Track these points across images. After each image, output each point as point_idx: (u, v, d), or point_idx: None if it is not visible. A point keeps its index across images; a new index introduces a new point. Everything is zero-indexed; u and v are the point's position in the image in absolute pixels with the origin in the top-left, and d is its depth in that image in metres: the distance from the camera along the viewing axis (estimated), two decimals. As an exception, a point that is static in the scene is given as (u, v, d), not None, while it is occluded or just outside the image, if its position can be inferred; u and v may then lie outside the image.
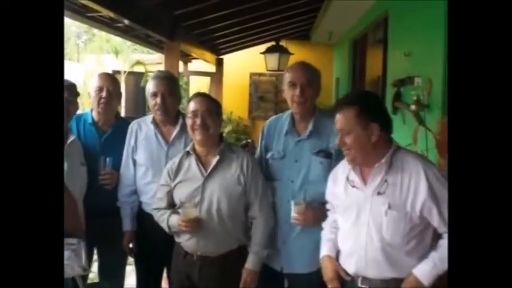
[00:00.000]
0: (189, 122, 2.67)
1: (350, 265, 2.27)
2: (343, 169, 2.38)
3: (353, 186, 2.26)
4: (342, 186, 2.33)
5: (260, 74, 10.20)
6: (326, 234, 2.49)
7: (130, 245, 3.09)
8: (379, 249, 2.13)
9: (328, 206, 2.52)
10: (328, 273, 2.37)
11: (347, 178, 2.30)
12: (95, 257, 3.34)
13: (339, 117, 2.19)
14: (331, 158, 2.67)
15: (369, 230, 2.16)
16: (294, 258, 2.73)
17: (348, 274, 2.28)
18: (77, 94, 2.98)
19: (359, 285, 2.22)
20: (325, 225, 2.53)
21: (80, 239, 2.07)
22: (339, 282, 2.32)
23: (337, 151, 2.62)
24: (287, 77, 2.74)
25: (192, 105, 2.68)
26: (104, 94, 3.12)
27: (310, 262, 2.68)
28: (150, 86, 3.03)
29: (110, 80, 3.22)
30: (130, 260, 3.29)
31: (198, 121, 2.62)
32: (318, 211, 2.60)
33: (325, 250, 2.43)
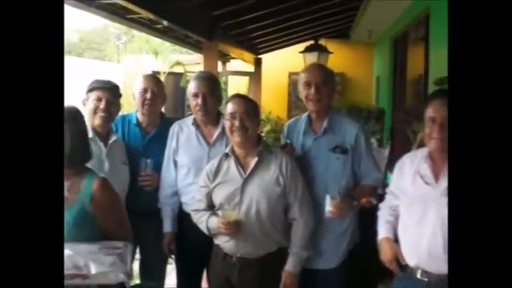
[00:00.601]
0: (227, 124, 2.67)
1: (411, 257, 2.27)
2: (410, 161, 2.37)
3: (424, 182, 2.24)
4: (410, 179, 2.32)
5: (299, 74, 10.11)
6: (384, 215, 2.51)
7: (171, 246, 3.11)
8: (442, 247, 2.12)
9: (387, 191, 2.57)
10: (387, 254, 2.40)
11: (416, 171, 2.28)
12: (137, 255, 3.37)
13: (442, 104, 2.14)
14: (347, 153, 2.77)
15: (434, 228, 2.15)
16: (316, 255, 2.79)
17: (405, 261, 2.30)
18: (120, 95, 3.01)
19: (418, 276, 2.23)
20: (383, 206, 2.56)
21: (127, 242, 2.08)
22: (397, 265, 2.35)
23: (352, 147, 2.77)
24: (302, 77, 2.89)
25: (230, 107, 2.68)
26: (148, 95, 3.13)
27: (331, 258, 2.80)
28: (191, 87, 3.05)
29: (154, 81, 3.24)
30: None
31: (237, 123, 2.62)
32: (348, 205, 2.71)
33: (383, 232, 2.46)
